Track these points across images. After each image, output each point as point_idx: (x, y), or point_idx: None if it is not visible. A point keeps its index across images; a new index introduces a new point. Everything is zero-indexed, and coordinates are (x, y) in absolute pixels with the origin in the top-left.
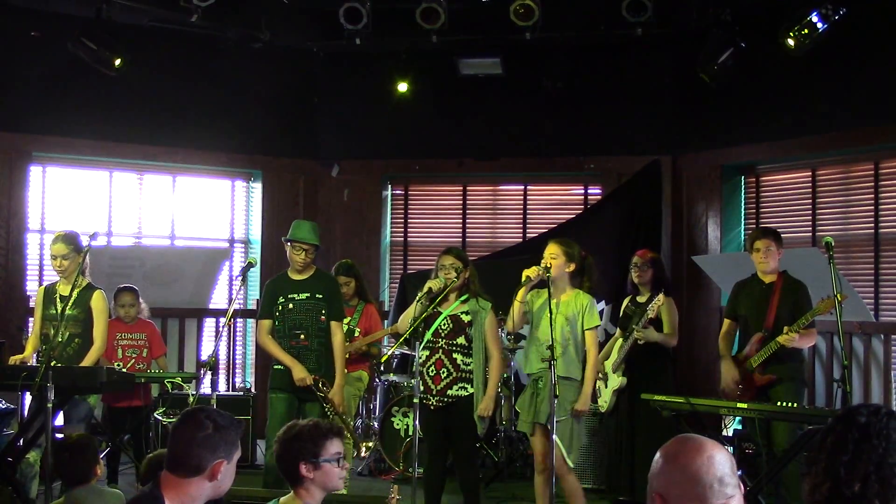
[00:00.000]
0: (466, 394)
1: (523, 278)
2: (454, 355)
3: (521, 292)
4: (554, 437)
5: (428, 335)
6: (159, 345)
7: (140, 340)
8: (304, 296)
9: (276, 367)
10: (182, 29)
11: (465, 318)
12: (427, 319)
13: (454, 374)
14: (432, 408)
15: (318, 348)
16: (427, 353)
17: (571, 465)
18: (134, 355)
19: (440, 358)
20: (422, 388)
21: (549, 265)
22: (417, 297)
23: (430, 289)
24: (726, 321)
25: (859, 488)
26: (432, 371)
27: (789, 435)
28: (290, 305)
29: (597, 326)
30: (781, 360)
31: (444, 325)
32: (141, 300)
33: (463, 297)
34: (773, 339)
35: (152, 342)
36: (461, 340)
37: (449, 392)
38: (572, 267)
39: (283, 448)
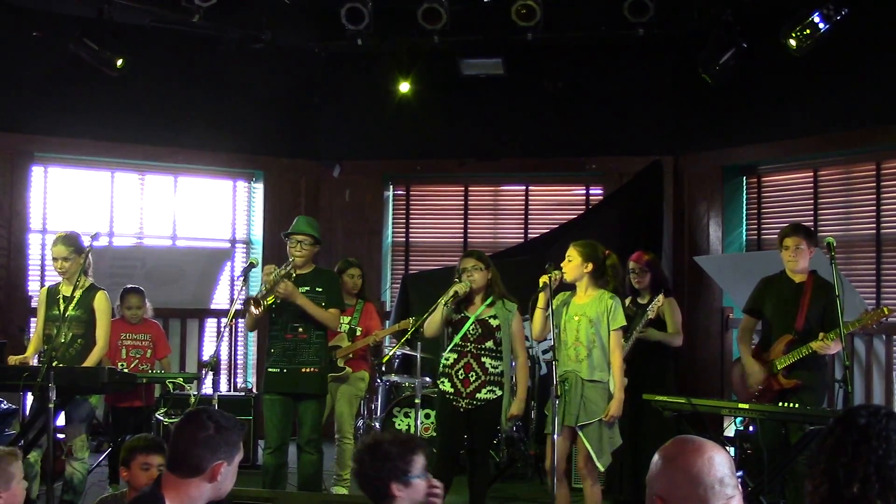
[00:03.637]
0: (494, 397)
1: (540, 284)
2: (483, 359)
3: (540, 298)
4: (556, 437)
5: (457, 339)
6: (164, 346)
7: (144, 341)
8: (303, 289)
9: (270, 369)
10: (183, 29)
11: (494, 322)
12: (455, 324)
13: (483, 378)
14: (462, 410)
15: (316, 341)
16: (455, 356)
17: (602, 468)
18: (137, 356)
19: (469, 362)
20: (451, 390)
21: (560, 269)
22: (443, 301)
23: (455, 292)
24: (746, 317)
25: (859, 489)
26: (461, 374)
27: None
28: None
29: (622, 327)
30: (808, 367)
31: (473, 329)
32: (147, 301)
33: (488, 301)
34: (804, 344)
35: (157, 343)
36: (490, 344)
37: (478, 395)
38: (590, 267)
39: (370, 469)
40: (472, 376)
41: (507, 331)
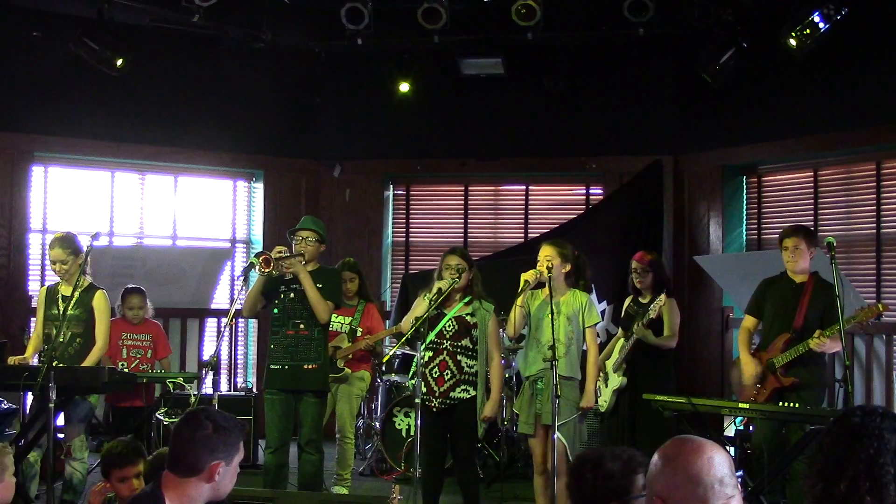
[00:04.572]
0: (469, 396)
1: (521, 283)
2: (458, 357)
3: (520, 297)
4: (556, 436)
5: (431, 336)
6: (164, 346)
7: (145, 341)
8: None
9: (271, 367)
10: (184, 29)
11: (471, 320)
12: (431, 320)
13: (457, 377)
14: (435, 409)
15: (318, 337)
16: (430, 353)
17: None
18: (138, 356)
19: (444, 359)
20: (424, 389)
21: (549, 266)
22: (426, 298)
23: (439, 289)
24: (747, 317)
25: (847, 487)
26: (436, 372)
27: None
28: (292, 295)
29: (597, 324)
30: (805, 364)
31: (450, 326)
32: (148, 302)
33: (466, 299)
34: (802, 342)
35: (158, 343)
36: (466, 342)
37: (451, 394)
38: (568, 267)
39: (591, 487)
40: (446, 374)
41: (483, 330)
